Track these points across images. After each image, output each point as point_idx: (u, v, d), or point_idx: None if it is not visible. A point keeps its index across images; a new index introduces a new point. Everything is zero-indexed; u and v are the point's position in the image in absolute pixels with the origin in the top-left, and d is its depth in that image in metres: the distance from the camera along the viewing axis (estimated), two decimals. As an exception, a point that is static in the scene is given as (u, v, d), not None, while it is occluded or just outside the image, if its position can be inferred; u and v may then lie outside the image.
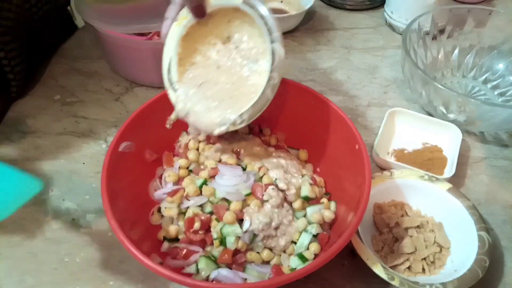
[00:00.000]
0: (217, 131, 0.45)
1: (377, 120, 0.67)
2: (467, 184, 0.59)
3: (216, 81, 0.48)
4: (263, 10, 0.43)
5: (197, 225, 0.45)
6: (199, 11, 0.44)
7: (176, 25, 0.46)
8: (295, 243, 0.47)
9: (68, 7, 0.81)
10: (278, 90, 0.47)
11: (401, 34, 0.84)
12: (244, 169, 0.50)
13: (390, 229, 0.51)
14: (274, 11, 0.86)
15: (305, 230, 0.47)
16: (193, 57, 0.48)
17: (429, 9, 0.73)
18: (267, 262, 0.46)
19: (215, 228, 0.46)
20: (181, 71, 0.47)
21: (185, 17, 0.45)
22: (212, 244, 0.46)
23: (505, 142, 0.64)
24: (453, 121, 0.61)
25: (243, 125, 0.45)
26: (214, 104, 0.46)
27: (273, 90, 0.45)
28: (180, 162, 0.52)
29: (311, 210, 0.48)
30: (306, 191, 0.49)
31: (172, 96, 0.47)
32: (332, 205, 0.50)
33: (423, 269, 0.48)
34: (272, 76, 0.44)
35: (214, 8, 0.45)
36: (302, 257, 0.45)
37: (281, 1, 0.90)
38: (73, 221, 0.54)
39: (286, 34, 0.84)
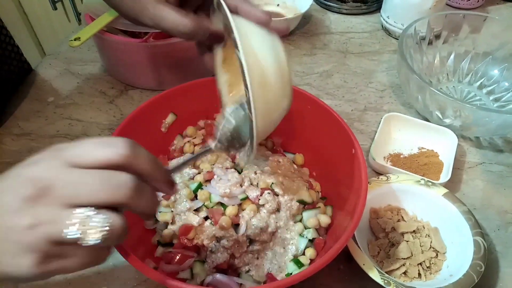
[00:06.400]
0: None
1: (373, 124, 0.67)
2: (463, 189, 0.59)
3: None
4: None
5: (191, 234, 0.45)
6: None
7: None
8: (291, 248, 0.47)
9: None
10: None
11: (397, 39, 0.84)
12: (239, 173, 0.50)
13: (386, 234, 0.51)
14: (273, 14, 0.87)
15: (301, 235, 0.47)
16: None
17: (425, 14, 0.74)
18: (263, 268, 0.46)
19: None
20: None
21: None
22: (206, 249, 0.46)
23: (500, 147, 0.65)
24: (449, 126, 0.62)
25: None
26: None
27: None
28: None
29: (307, 215, 0.48)
30: (302, 195, 0.48)
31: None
32: (328, 209, 0.50)
33: (419, 274, 0.48)
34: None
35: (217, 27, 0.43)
36: (298, 262, 0.45)
37: (278, 5, 0.90)
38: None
39: (283, 37, 0.84)
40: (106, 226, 0.28)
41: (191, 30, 0.41)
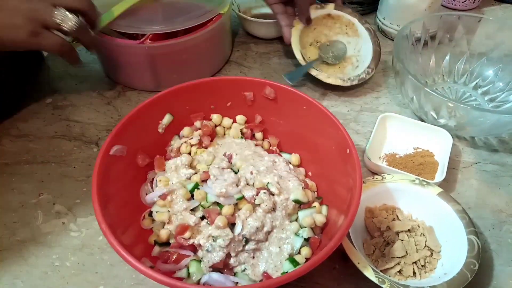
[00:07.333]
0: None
1: (369, 125, 0.68)
2: (458, 188, 0.59)
3: None
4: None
5: (187, 234, 0.45)
6: (309, 21, 0.75)
7: (294, 30, 0.74)
8: (287, 247, 0.47)
9: None
10: (271, 95, 0.52)
11: (392, 40, 0.85)
12: (236, 173, 0.51)
13: (381, 233, 0.51)
14: (267, 16, 0.87)
15: (296, 234, 0.47)
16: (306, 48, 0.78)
17: (420, 15, 0.75)
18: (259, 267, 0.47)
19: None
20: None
21: (298, 23, 0.75)
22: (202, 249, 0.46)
23: (494, 147, 0.65)
24: (443, 126, 0.62)
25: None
26: None
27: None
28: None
29: (302, 214, 0.49)
30: (297, 195, 0.49)
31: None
32: (324, 209, 0.50)
33: (414, 273, 0.48)
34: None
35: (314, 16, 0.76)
36: (293, 261, 0.45)
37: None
38: (64, 225, 0.53)
39: (279, 39, 0.84)
40: (76, 22, 0.54)
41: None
